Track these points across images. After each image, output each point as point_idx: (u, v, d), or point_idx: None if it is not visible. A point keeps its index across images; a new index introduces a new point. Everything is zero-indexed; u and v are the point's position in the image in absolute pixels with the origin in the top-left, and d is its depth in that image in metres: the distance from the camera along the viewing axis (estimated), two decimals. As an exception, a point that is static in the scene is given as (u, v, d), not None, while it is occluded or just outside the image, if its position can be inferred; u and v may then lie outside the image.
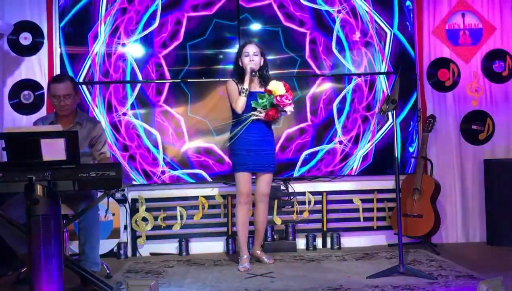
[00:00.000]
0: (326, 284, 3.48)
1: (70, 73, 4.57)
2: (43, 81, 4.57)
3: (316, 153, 4.75)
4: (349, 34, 4.78)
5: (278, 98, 3.92)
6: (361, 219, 4.77)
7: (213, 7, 4.72)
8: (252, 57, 4.01)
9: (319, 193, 4.74)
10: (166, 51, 4.68)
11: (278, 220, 4.69)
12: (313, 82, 4.77)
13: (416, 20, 4.84)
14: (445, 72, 4.87)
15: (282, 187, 4.73)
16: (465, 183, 4.85)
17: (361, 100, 4.79)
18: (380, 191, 4.79)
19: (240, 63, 4.06)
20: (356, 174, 4.78)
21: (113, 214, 4.54)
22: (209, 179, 4.69)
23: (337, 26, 4.77)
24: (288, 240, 4.61)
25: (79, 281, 3.51)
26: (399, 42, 4.82)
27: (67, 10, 4.62)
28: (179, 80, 4.69)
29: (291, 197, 4.73)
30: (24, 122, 4.57)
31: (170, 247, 4.68)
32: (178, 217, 4.66)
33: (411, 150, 4.80)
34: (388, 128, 4.77)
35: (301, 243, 4.69)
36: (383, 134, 4.79)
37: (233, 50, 4.64)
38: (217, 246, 4.70)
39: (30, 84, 4.61)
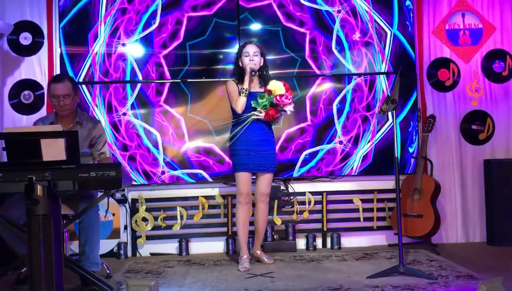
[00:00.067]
0: (326, 284, 3.48)
1: (70, 73, 4.57)
2: (43, 81, 4.57)
3: (317, 152, 4.75)
4: (349, 34, 4.79)
5: (277, 97, 3.92)
6: (361, 219, 4.77)
7: (213, 7, 4.72)
8: (252, 57, 4.01)
9: (319, 193, 4.74)
10: (166, 51, 4.68)
11: (278, 220, 4.69)
12: (313, 82, 4.77)
13: (416, 20, 4.84)
14: (445, 72, 4.87)
15: (282, 187, 4.73)
16: (465, 183, 4.85)
17: (361, 100, 4.79)
18: (380, 191, 4.79)
19: (240, 64, 4.06)
20: (356, 173, 4.78)
21: (113, 214, 4.54)
22: (209, 179, 4.69)
23: (336, 26, 4.78)
24: (288, 240, 4.61)
25: (79, 281, 3.51)
26: (399, 42, 4.82)
27: (67, 10, 4.62)
28: (179, 80, 4.69)
29: (291, 197, 4.73)
30: (24, 122, 4.57)
31: (170, 247, 4.68)
32: (178, 217, 4.66)
33: (410, 150, 4.80)
34: (388, 128, 4.77)
35: (301, 243, 4.70)
36: (382, 135, 4.79)
37: (233, 50, 4.64)
38: (217, 246, 4.70)
39: (30, 84, 4.61)
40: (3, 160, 3.59)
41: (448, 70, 4.87)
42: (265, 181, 4.10)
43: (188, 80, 4.70)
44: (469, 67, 4.90)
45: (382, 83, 4.80)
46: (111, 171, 2.95)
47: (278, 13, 4.75)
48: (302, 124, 4.75)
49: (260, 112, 3.97)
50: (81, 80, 4.61)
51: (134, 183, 4.56)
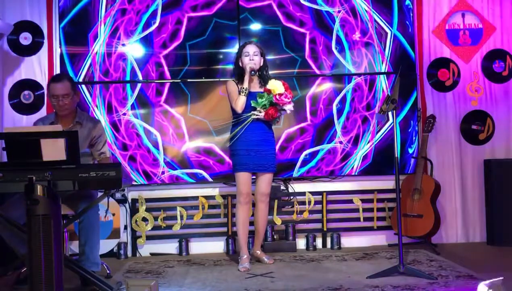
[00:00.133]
0: (326, 284, 3.47)
1: (70, 72, 4.57)
2: (43, 81, 4.57)
3: (317, 152, 4.75)
4: (349, 34, 4.78)
5: (277, 96, 3.92)
6: (361, 219, 4.77)
7: (213, 7, 4.72)
8: (252, 57, 4.01)
9: (319, 193, 4.74)
10: (166, 52, 4.68)
11: (278, 220, 4.69)
12: (313, 82, 4.77)
13: (416, 20, 4.84)
14: (445, 72, 4.87)
15: (282, 187, 4.73)
16: (465, 183, 4.85)
17: (361, 100, 4.79)
18: (380, 191, 4.79)
19: (240, 64, 4.06)
20: (356, 173, 4.78)
21: (113, 214, 4.54)
22: (210, 179, 4.69)
23: (336, 26, 4.78)
24: (288, 240, 4.61)
25: (79, 281, 3.51)
26: (399, 42, 4.82)
27: (67, 11, 4.62)
28: (179, 80, 4.69)
29: (291, 197, 4.73)
30: (24, 122, 4.57)
31: (170, 247, 4.68)
32: (178, 217, 4.66)
33: (410, 151, 4.80)
34: (388, 129, 4.77)
35: (301, 243, 4.70)
36: (382, 135, 4.79)
37: (233, 50, 4.65)
38: (217, 246, 4.70)
39: (30, 84, 4.61)
40: (3, 160, 3.59)
41: (448, 70, 4.87)
42: (265, 181, 4.10)
43: (188, 80, 4.70)
44: (469, 67, 4.90)
45: (382, 83, 4.80)
46: (111, 171, 2.95)
47: (278, 13, 4.75)
48: (302, 124, 4.75)
49: (260, 112, 3.97)
50: (81, 80, 4.61)
51: (134, 183, 4.56)
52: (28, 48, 4.61)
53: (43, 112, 4.54)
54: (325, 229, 4.74)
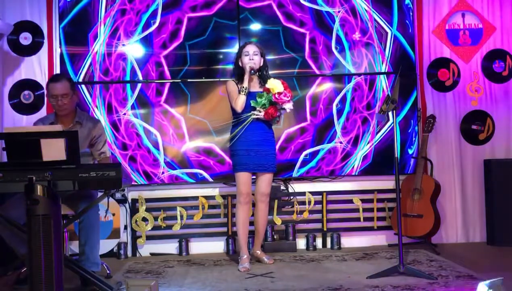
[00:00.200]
0: (326, 284, 3.47)
1: (71, 72, 4.57)
2: (43, 81, 4.57)
3: (317, 152, 4.75)
4: (349, 33, 4.78)
5: (276, 95, 3.92)
6: (361, 219, 4.77)
7: (213, 7, 4.72)
8: (252, 56, 4.01)
9: (319, 193, 4.74)
10: (166, 52, 4.68)
11: (278, 220, 4.69)
12: (313, 82, 4.77)
13: (416, 20, 4.84)
14: (445, 72, 4.87)
15: (282, 187, 4.73)
16: (465, 183, 4.85)
17: (361, 99, 4.79)
18: (380, 191, 4.79)
19: (240, 64, 4.06)
20: (356, 173, 4.78)
21: (113, 214, 4.54)
22: (210, 179, 4.69)
23: (336, 25, 4.77)
24: (288, 240, 4.61)
25: (79, 281, 3.51)
26: (399, 42, 4.82)
27: (67, 11, 4.62)
28: (179, 80, 4.69)
29: (291, 197, 4.73)
30: (24, 122, 4.57)
31: (170, 247, 4.68)
32: (178, 217, 4.66)
33: (410, 151, 4.79)
34: (388, 129, 4.77)
35: (301, 243, 4.70)
36: (382, 136, 4.79)
37: (233, 50, 4.65)
38: (217, 246, 4.70)
39: (30, 84, 4.61)
40: (3, 160, 3.59)
41: (448, 70, 4.87)
42: (265, 181, 4.10)
43: (188, 80, 4.70)
44: (469, 67, 4.90)
45: (382, 83, 4.80)
46: (111, 171, 2.95)
47: (278, 13, 4.75)
48: (302, 124, 4.75)
49: (260, 112, 3.97)
50: (81, 79, 4.61)
51: (134, 183, 4.56)
52: (28, 48, 4.61)
53: (43, 112, 4.54)
54: (325, 229, 4.74)
